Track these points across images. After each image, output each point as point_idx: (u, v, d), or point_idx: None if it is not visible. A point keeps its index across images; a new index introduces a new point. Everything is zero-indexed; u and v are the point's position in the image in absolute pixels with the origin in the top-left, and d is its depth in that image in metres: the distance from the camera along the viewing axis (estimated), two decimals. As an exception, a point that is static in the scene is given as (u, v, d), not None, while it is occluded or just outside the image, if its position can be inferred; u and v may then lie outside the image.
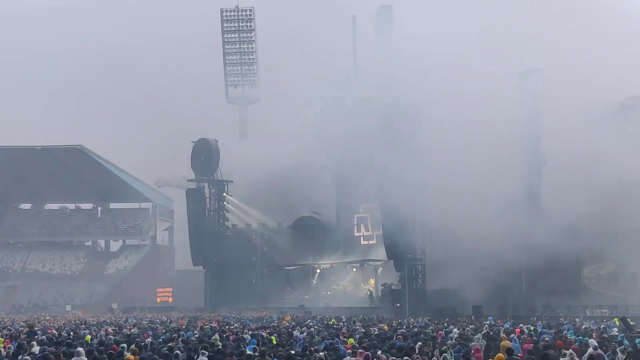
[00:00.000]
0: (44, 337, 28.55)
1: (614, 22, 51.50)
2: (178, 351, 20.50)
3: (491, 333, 28.51)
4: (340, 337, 26.66)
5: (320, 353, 20.00)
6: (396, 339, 25.92)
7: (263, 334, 29.67)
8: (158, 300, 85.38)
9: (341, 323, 38.90)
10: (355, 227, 70.55)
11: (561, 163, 52.80)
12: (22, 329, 35.35)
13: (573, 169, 51.30)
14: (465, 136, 52.77)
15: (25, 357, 19.85)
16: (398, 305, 56.74)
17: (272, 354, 19.98)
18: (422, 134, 54.58)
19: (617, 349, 21.81)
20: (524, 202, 53.39)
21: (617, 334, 28.16)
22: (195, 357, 20.33)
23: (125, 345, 22.76)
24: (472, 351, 22.13)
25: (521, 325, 34.45)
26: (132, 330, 33.70)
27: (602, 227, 47.93)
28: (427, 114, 54.66)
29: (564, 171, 52.62)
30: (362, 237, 70.20)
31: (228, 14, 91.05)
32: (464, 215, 51.11)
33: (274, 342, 25.41)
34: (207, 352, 20.26)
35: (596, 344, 21.83)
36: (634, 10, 51.59)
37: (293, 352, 20.72)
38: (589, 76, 50.84)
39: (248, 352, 21.15)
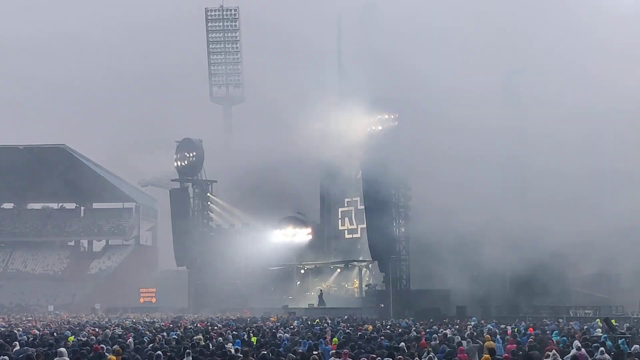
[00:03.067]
0: (24, 336, 28.32)
1: (601, 24, 51.61)
2: (160, 352, 20.36)
3: (475, 334, 28.55)
4: (327, 338, 26.58)
5: (315, 353, 19.75)
6: (380, 339, 25.89)
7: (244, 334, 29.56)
8: (141, 300, 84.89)
9: (324, 323, 38.76)
10: (340, 220, 70.59)
11: (544, 164, 52.89)
12: (4, 329, 35.04)
13: (556, 169, 51.42)
14: (449, 135, 52.83)
15: (4, 357, 19.66)
16: (382, 305, 56.70)
17: (255, 355, 19.88)
18: (405, 132, 54.64)
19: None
20: (508, 201, 53.44)
21: (600, 334, 28.24)
22: (179, 357, 20.20)
23: (107, 345, 22.60)
24: (457, 351, 22.12)
25: (503, 325, 34.54)
26: (114, 331, 33.51)
27: (586, 227, 47.94)
28: (410, 112, 54.77)
29: (546, 171, 52.71)
30: (346, 231, 70.30)
31: (213, 13, 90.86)
32: (447, 215, 51.11)
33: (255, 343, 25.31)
34: (192, 353, 20.13)
35: (579, 345, 21.87)
36: (622, 12, 51.69)
37: (265, 352, 20.57)
38: (574, 78, 50.97)
39: (231, 352, 21.05)
